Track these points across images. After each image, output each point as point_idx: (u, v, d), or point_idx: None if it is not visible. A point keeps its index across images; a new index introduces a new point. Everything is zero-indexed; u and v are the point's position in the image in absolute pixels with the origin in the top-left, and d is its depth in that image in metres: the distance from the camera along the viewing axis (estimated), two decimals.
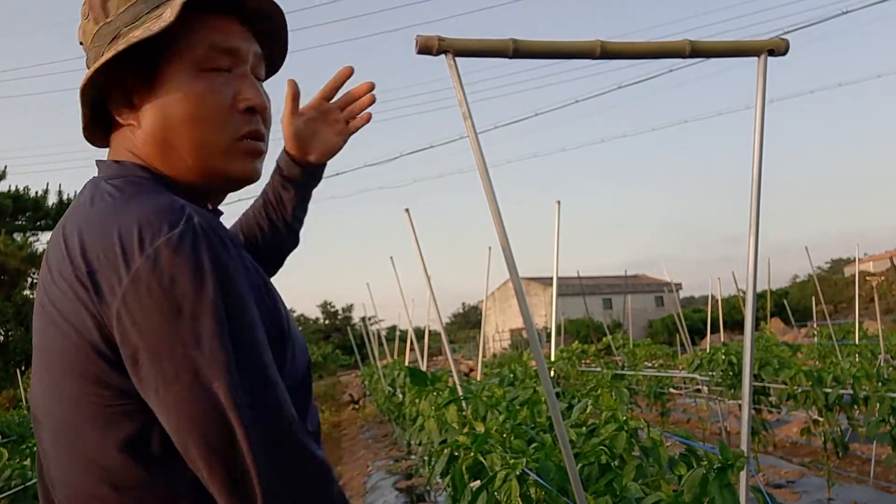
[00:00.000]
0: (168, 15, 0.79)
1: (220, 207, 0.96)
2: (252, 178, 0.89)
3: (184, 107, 0.82)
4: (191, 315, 0.67)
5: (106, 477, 0.73)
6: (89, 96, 0.84)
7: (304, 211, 1.18)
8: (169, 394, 0.67)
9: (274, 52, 0.95)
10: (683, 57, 1.13)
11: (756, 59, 1.18)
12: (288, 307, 0.91)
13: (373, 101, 1.12)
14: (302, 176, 1.12)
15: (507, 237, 1.05)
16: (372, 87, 1.12)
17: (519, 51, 1.10)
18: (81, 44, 0.89)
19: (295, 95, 1.09)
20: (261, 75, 0.92)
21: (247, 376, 0.68)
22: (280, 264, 1.22)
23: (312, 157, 1.11)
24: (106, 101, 0.86)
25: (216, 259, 0.69)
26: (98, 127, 0.89)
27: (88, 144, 0.93)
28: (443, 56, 1.12)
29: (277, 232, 1.16)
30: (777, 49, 1.17)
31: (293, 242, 1.20)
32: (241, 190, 0.94)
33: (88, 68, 0.86)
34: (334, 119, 1.12)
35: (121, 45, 0.80)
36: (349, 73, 1.10)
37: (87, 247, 0.71)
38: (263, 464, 0.67)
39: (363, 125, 1.12)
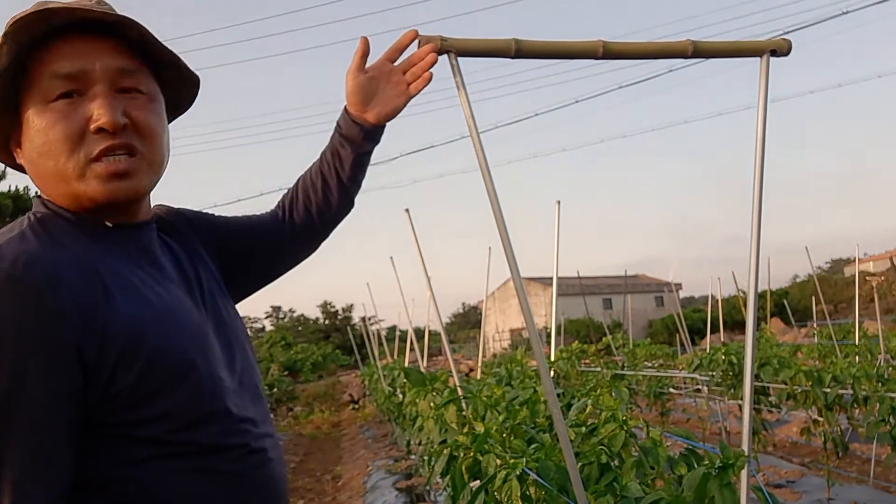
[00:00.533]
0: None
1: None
2: (116, 198, 0.88)
3: (37, 140, 0.85)
4: None
5: None
6: None
7: (362, 173, 1.18)
8: None
9: (154, 54, 0.93)
10: (686, 57, 1.13)
11: (758, 59, 1.18)
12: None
13: (434, 62, 1.10)
14: (360, 136, 1.12)
15: (509, 238, 1.05)
16: (434, 48, 1.08)
17: (521, 51, 1.10)
18: None
19: (364, 52, 1.10)
20: (134, 84, 0.90)
21: None
22: (329, 229, 1.22)
23: (371, 115, 1.11)
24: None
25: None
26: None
27: None
28: (445, 56, 1.12)
29: (329, 192, 1.16)
30: (779, 49, 1.17)
31: (346, 204, 1.19)
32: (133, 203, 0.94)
33: None
34: (397, 81, 1.12)
35: None
36: (413, 36, 1.10)
37: None
38: None
39: (424, 87, 1.11)
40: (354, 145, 1.13)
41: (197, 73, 0.99)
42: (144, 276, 0.89)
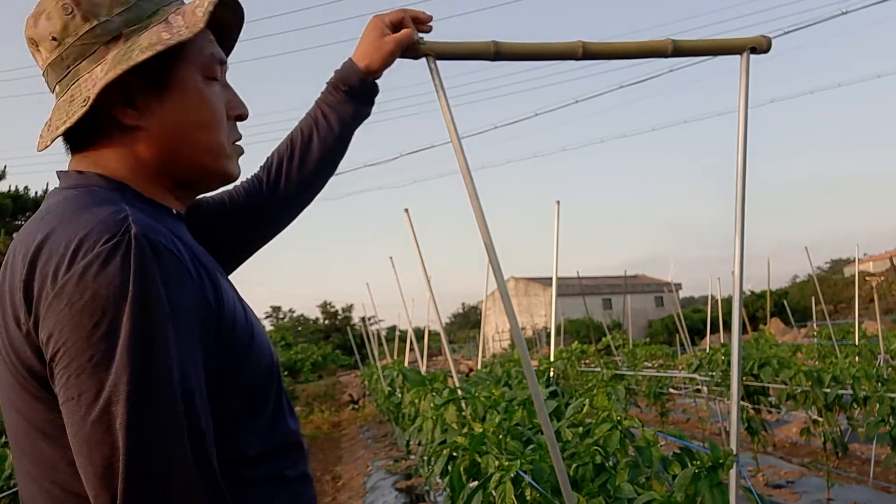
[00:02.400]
0: (199, 18, 0.82)
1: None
2: (237, 178, 0.97)
3: (200, 112, 0.87)
4: (105, 333, 0.66)
5: (62, 495, 0.74)
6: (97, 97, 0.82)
7: (356, 120, 1.17)
8: (69, 409, 0.67)
9: (227, 50, 0.99)
10: (666, 56, 1.13)
11: (738, 56, 1.18)
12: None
13: (429, 21, 1.13)
14: (360, 84, 1.13)
15: (490, 238, 1.05)
16: (430, 18, 1.14)
17: (500, 53, 1.09)
18: (53, 39, 0.84)
19: (408, 34, 1.11)
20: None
21: (150, 405, 0.66)
22: (314, 190, 1.20)
23: (363, 62, 1.12)
24: (100, 104, 0.82)
25: (145, 278, 0.68)
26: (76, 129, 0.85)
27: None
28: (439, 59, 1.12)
29: (321, 150, 1.15)
30: (759, 47, 1.17)
31: (337, 149, 1.17)
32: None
33: (61, 65, 0.84)
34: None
35: (159, 46, 0.80)
36: (429, 19, 1.14)
37: (31, 258, 0.71)
38: (133, 499, 0.65)
39: (403, 37, 1.10)
40: (350, 93, 1.13)
41: None
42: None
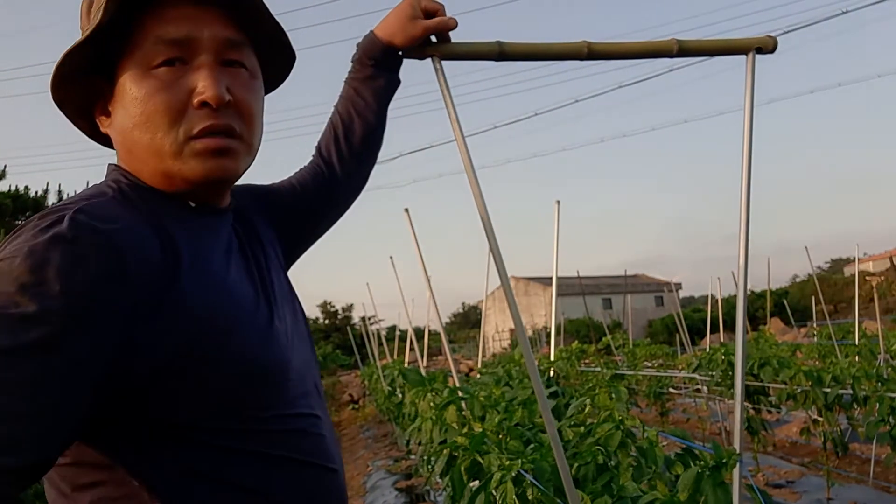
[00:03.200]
0: (95, 16, 0.78)
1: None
2: (213, 177, 0.82)
3: (133, 110, 0.79)
4: None
5: None
6: (70, 110, 0.85)
7: (388, 90, 1.16)
8: None
9: (260, 28, 0.87)
10: (671, 56, 1.13)
11: (744, 57, 1.18)
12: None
13: (453, 29, 1.10)
14: (383, 56, 1.11)
15: (496, 239, 1.05)
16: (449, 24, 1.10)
17: (505, 53, 1.09)
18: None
19: (445, 23, 1.09)
20: (239, 58, 0.84)
21: None
22: (370, 162, 1.20)
23: (386, 38, 1.10)
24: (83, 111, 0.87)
25: (32, 265, 0.63)
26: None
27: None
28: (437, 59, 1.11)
29: (366, 124, 1.15)
30: (765, 47, 1.17)
31: (378, 121, 1.17)
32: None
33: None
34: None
35: (60, 57, 0.79)
36: (454, 25, 1.10)
37: None
38: None
39: (436, 26, 1.08)
40: (377, 64, 1.13)
41: (295, 51, 0.95)
42: (224, 265, 0.84)
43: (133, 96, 0.79)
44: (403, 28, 1.08)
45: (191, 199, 0.85)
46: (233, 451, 0.78)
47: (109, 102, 0.83)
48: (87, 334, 0.65)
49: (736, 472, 1.16)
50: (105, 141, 0.89)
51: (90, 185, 0.84)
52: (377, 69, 1.13)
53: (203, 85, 0.79)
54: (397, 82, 1.18)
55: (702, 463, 1.30)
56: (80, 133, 0.90)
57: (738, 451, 1.13)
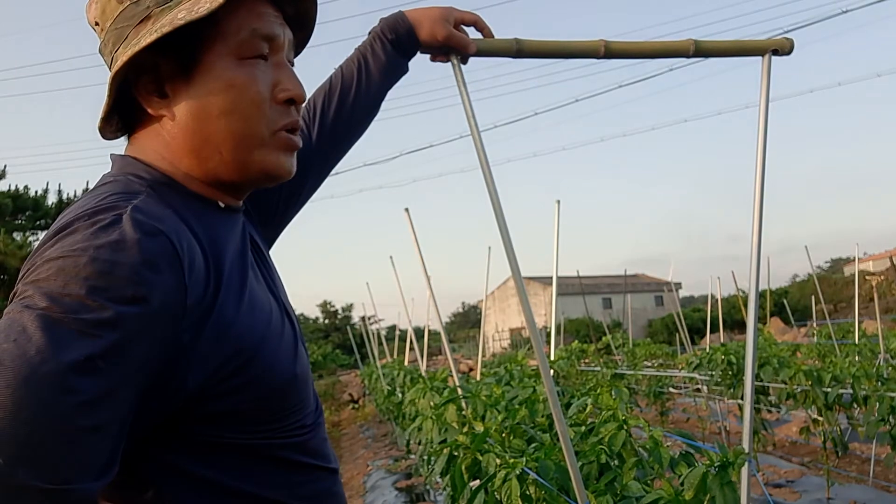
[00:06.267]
0: None
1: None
2: (286, 174, 0.84)
3: (225, 97, 0.77)
4: (30, 306, 0.60)
5: None
6: (118, 83, 0.78)
7: (396, 73, 1.14)
8: None
9: (302, 36, 0.91)
10: (687, 56, 1.13)
11: (760, 58, 1.18)
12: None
13: (472, 49, 1.11)
14: (406, 36, 1.10)
15: (509, 236, 1.04)
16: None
17: (523, 50, 1.10)
18: (97, 24, 0.82)
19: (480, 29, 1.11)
20: (293, 61, 0.87)
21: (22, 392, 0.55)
22: (360, 128, 1.16)
23: (413, 20, 1.10)
24: (132, 90, 0.79)
25: (102, 268, 0.61)
26: (114, 117, 0.83)
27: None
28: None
29: (365, 89, 1.12)
30: (781, 49, 1.17)
31: (374, 100, 1.14)
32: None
33: (106, 51, 0.81)
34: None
35: (165, 28, 0.73)
36: (472, 51, 1.11)
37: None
38: None
39: (458, 41, 1.09)
40: (395, 43, 1.11)
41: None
42: (246, 271, 0.81)
43: (229, 83, 0.78)
44: (431, 25, 1.08)
45: (228, 197, 0.84)
46: (255, 461, 0.77)
47: (170, 83, 0.79)
48: (157, 341, 0.64)
49: (744, 471, 1.16)
50: (112, 128, 0.84)
51: (104, 177, 0.80)
52: (394, 48, 1.12)
53: (291, 83, 0.82)
54: (405, 69, 1.16)
55: (707, 462, 1.30)
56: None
57: (747, 451, 1.13)
